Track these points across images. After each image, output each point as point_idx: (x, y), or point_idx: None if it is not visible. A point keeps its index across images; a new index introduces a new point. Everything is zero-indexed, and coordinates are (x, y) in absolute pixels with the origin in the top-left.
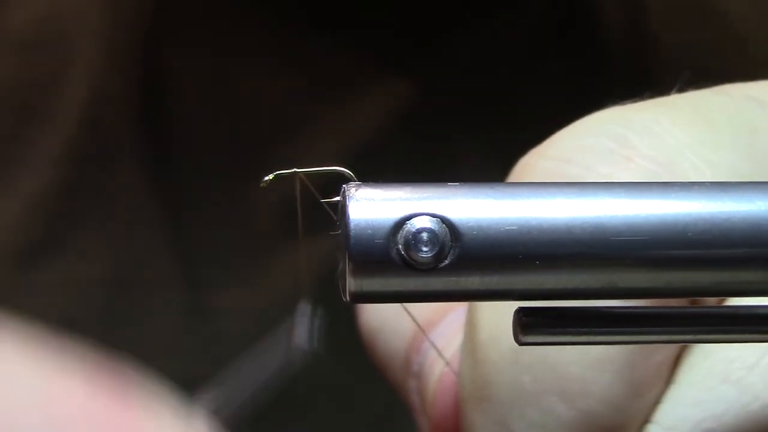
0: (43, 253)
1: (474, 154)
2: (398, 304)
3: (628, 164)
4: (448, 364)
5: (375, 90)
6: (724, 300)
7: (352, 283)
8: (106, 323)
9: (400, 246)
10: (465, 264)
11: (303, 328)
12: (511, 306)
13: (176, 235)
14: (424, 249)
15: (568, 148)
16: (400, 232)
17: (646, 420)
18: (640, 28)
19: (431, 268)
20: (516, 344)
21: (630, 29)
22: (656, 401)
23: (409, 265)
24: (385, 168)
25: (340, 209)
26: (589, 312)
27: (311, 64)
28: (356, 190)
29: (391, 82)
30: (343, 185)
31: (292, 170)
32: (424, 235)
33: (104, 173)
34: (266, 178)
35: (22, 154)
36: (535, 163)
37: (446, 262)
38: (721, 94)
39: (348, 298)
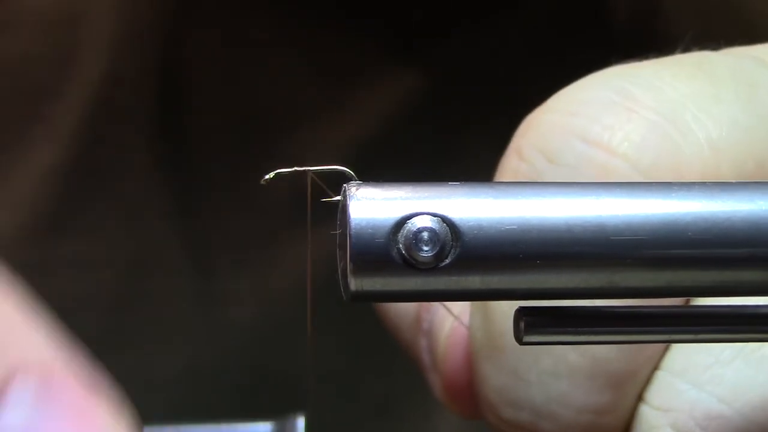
0: (53, 233)
1: (482, 147)
2: None
3: (630, 115)
4: (457, 318)
5: (383, 82)
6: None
7: (352, 282)
8: (116, 305)
9: (400, 245)
10: (466, 263)
11: None
12: None
13: (187, 220)
14: (425, 248)
15: (573, 101)
16: (401, 231)
17: (656, 367)
18: (649, 26)
19: (432, 267)
20: None
21: (639, 27)
22: (665, 348)
23: (409, 265)
24: (392, 160)
25: (341, 208)
26: (590, 311)
27: (321, 54)
28: (357, 189)
29: (400, 75)
30: (344, 184)
31: (293, 169)
32: (425, 235)
33: (116, 155)
34: (267, 176)
35: (35, 132)
36: (541, 116)
37: (447, 261)
38: (722, 54)
39: (348, 297)
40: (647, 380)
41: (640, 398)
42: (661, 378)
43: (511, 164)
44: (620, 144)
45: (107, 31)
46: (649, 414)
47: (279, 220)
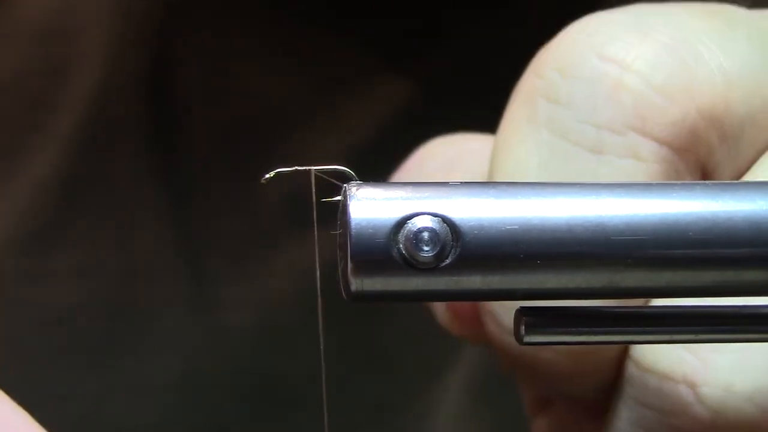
0: (49, 241)
1: None
2: None
3: (646, 37)
4: None
5: (378, 87)
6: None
7: (352, 283)
8: (111, 312)
9: (401, 245)
10: (466, 263)
11: None
12: None
13: (182, 226)
14: (425, 248)
15: (591, 23)
16: (401, 231)
17: None
18: None
19: (432, 267)
20: None
21: None
22: None
23: (410, 265)
24: (387, 165)
25: (341, 208)
26: (591, 311)
27: (314, 59)
28: (357, 189)
29: (394, 80)
30: (344, 184)
31: (294, 168)
32: (425, 235)
33: (112, 163)
34: (267, 175)
35: (30, 141)
36: (559, 38)
37: (447, 261)
38: (746, 9)
39: (348, 297)
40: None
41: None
42: None
43: (527, 82)
44: (635, 60)
45: (101, 42)
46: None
47: (273, 226)
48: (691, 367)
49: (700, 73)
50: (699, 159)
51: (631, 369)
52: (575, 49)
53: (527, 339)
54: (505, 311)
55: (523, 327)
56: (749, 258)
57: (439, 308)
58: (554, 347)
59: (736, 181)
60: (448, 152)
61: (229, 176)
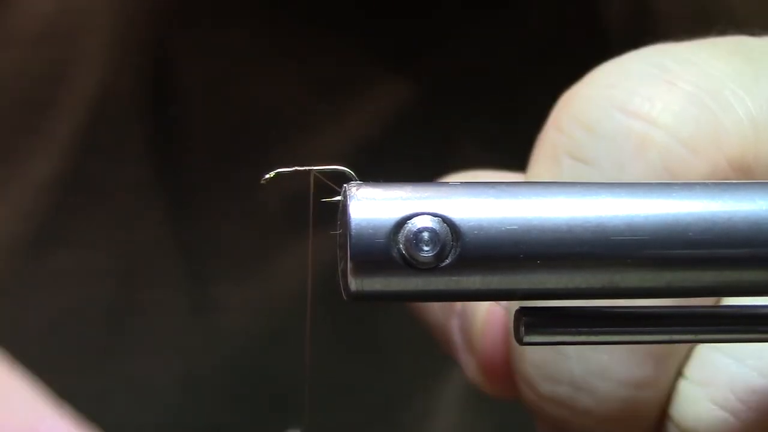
0: (49, 243)
1: (477, 154)
2: None
3: (670, 87)
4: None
5: (378, 87)
6: (721, 300)
7: (352, 283)
8: (111, 315)
9: (401, 245)
10: (466, 263)
11: None
12: None
13: (181, 229)
14: (425, 248)
15: (611, 75)
16: (401, 231)
17: None
18: (643, 28)
19: (432, 267)
20: None
21: (633, 28)
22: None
23: (410, 265)
24: (387, 167)
25: (341, 208)
26: (591, 312)
27: (314, 60)
28: (357, 189)
29: (394, 80)
30: (345, 184)
31: (294, 168)
32: (425, 235)
33: (111, 166)
34: (267, 175)
35: (30, 145)
36: (580, 90)
37: (447, 261)
38: (758, 38)
39: (348, 297)
40: (687, 354)
41: (679, 373)
42: (702, 352)
43: (549, 137)
44: (660, 114)
45: (101, 45)
46: (688, 388)
47: (273, 228)
48: (733, 430)
49: (727, 122)
50: None
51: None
52: (597, 104)
53: (527, 339)
54: (543, 378)
55: (523, 327)
56: (749, 258)
57: (470, 365)
58: (593, 414)
59: (735, 181)
60: None
61: (229, 178)
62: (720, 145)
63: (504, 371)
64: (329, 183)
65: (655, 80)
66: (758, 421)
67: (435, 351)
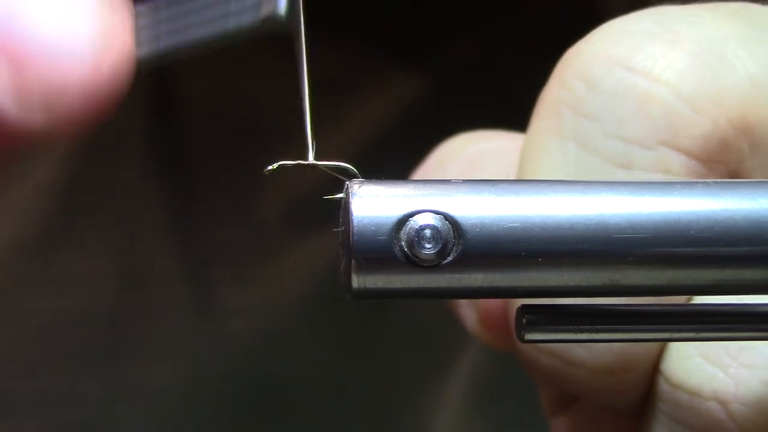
0: (51, 246)
1: None
2: None
3: (673, 46)
4: None
5: (380, 87)
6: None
7: (355, 280)
8: (114, 319)
9: (403, 243)
10: (468, 261)
11: None
12: None
13: (184, 232)
14: (427, 246)
15: (616, 32)
16: (404, 228)
17: None
18: None
19: (434, 265)
20: None
21: None
22: None
23: (412, 262)
24: (389, 165)
25: (344, 206)
26: (592, 309)
27: (318, 59)
28: (359, 186)
29: (396, 80)
30: (347, 182)
31: (296, 162)
32: (427, 232)
33: (114, 169)
34: (269, 167)
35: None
36: (583, 47)
37: (449, 259)
38: (760, 5)
39: (350, 294)
40: None
41: None
42: None
43: (551, 92)
44: (663, 71)
45: None
46: (679, 345)
47: (275, 231)
48: (722, 384)
49: (729, 81)
50: (729, 168)
51: (662, 385)
52: (601, 60)
53: (528, 336)
54: None
55: (524, 324)
56: (750, 256)
57: (470, 317)
58: (585, 365)
59: (737, 180)
60: (468, 152)
61: (231, 183)
62: (721, 103)
63: (502, 323)
64: (335, 174)
65: (658, 39)
66: (748, 376)
67: (436, 353)
